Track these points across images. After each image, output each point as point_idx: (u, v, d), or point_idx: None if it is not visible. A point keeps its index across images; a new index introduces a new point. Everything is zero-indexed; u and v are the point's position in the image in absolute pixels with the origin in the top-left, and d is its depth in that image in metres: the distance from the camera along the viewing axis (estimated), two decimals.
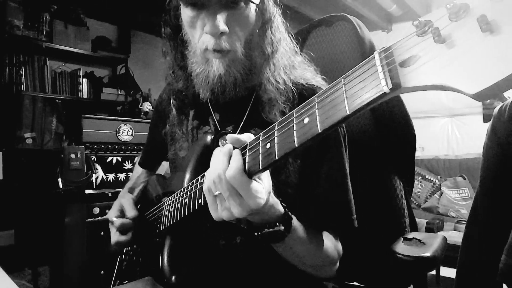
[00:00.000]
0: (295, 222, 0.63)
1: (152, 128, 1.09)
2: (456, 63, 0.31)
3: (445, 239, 1.07)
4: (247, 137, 0.55)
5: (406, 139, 1.04)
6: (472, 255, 1.20)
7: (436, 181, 3.49)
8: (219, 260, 0.79)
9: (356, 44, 1.01)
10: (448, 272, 2.21)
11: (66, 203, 2.21)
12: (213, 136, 0.80)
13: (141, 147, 2.60)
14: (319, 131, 0.42)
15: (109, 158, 2.47)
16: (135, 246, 1.01)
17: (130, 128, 2.58)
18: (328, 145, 0.75)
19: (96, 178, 2.38)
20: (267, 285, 0.79)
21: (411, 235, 1.02)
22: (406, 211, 1.06)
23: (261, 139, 0.51)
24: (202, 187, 0.64)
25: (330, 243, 0.73)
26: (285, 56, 0.79)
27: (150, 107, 3.09)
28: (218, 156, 0.55)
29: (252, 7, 0.73)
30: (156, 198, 0.94)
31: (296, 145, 0.45)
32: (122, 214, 0.95)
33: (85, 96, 3.19)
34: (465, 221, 1.74)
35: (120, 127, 2.53)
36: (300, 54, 0.86)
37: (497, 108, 1.15)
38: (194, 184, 0.68)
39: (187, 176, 0.78)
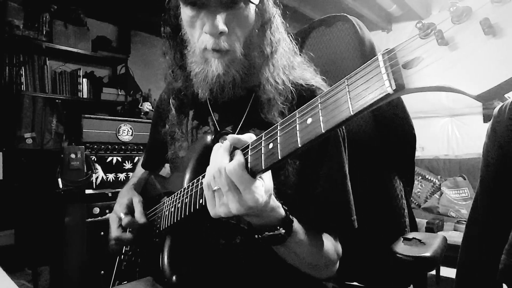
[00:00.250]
0: (295, 224, 0.63)
1: (152, 129, 1.09)
2: (459, 65, 0.32)
3: (445, 239, 1.07)
4: (248, 137, 0.55)
5: (406, 139, 1.04)
6: (472, 255, 1.20)
7: (436, 181, 3.49)
8: (219, 260, 0.79)
9: (356, 44, 1.01)
10: (448, 272, 2.22)
11: (66, 203, 2.21)
12: (213, 136, 0.80)
13: (141, 147, 2.60)
14: (323, 131, 0.42)
15: (109, 158, 2.47)
16: (134, 247, 1.01)
17: (130, 128, 2.58)
18: (328, 146, 0.75)
19: (96, 178, 2.38)
20: (267, 285, 0.79)
21: (411, 235, 1.02)
22: (406, 211, 1.06)
23: (263, 139, 0.51)
24: (202, 186, 0.64)
25: (330, 244, 0.73)
26: (284, 56, 0.79)
27: (150, 107, 3.09)
28: (219, 151, 0.55)
29: (252, 7, 0.73)
30: (155, 198, 0.94)
31: (300, 145, 0.45)
32: (131, 212, 0.93)
33: (85, 96, 3.19)
34: (465, 221, 1.74)
35: (120, 127, 2.53)
36: (300, 55, 0.86)
37: (497, 108, 1.15)
38: (194, 184, 0.68)
39: (187, 176, 0.78)
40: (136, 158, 2.59)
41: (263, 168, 0.50)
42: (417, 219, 1.14)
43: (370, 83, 0.38)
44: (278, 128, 0.49)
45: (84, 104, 3.14)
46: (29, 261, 2.40)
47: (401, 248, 0.95)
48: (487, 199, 1.17)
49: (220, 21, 0.68)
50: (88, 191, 2.30)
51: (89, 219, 2.20)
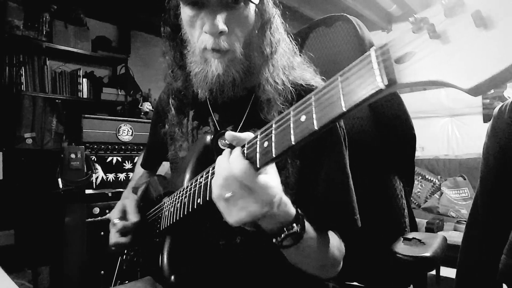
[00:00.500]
0: (306, 220, 0.62)
1: (152, 129, 1.09)
2: (452, 58, 0.31)
3: (445, 239, 1.07)
4: (247, 135, 0.55)
5: (406, 139, 1.04)
6: (472, 255, 1.20)
7: (436, 181, 3.49)
8: (219, 260, 0.79)
9: (356, 44, 1.01)
10: (448, 272, 2.21)
11: (66, 203, 2.21)
12: (212, 136, 0.80)
13: (141, 147, 2.60)
14: (316, 128, 0.42)
15: (109, 158, 2.47)
16: (136, 247, 1.01)
17: (130, 128, 2.58)
18: (328, 146, 0.75)
19: (96, 178, 2.38)
20: (267, 285, 0.79)
21: (411, 235, 1.02)
22: (406, 211, 1.06)
23: (258, 137, 0.51)
24: (201, 186, 0.64)
25: (336, 242, 0.73)
26: (284, 57, 0.79)
27: (150, 107, 3.09)
28: (220, 162, 0.54)
29: (252, 8, 0.73)
30: (156, 198, 0.94)
31: (293, 143, 0.45)
32: (124, 215, 0.95)
33: (85, 96, 3.19)
34: (465, 221, 1.74)
35: (120, 127, 2.53)
36: (300, 55, 0.86)
37: (497, 108, 1.15)
38: (193, 184, 0.68)
39: (187, 176, 0.78)
40: (136, 158, 2.59)
41: (258, 166, 0.50)
42: (417, 219, 1.14)
43: (362, 79, 0.37)
44: (273, 126, 0.49)
45: (84, 104, 3.14)
46: (29, 261, 2.40)
47: (401, 248, 0.95)
48: (487, 199, 1.17)
49: (220, 21, 0.68)
50: (88, 191, 2.30)
51: (89, 219, 2.20)
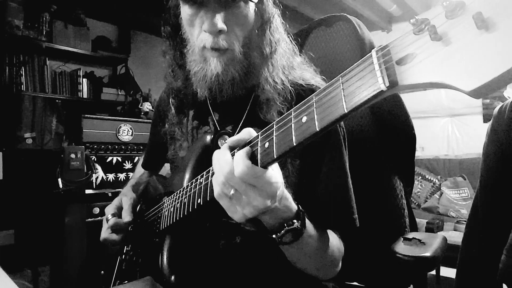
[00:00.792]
0: (306, 217, 0.62)
1: (152, 129, 1.09)
2: (453, 60, 0.31)
3: (445, 239, 1.07)
4: (247, 132, 0.55)
5: (406, 139, 1.04)
6: (472, 254, 1.20)
7: (436, 181, 3.50)
8: (219, 260, 0.79)
9: (356, 44, 1.01)
10: (448, 272, 2.21)
11: (66, 203, 2.21)
12: (212, 136, 0.80)
13: (141, 147, 2.60)
14: (317, 129, 0.42)
15: (109, 158, 2.47)
16: (135, 247, 1.01)
17: (130, 128, 2.58)
18: (328, 145, 0.75)
19: (96, 178, 2.38)
20: (267, 285, 0.79)
21: (411, 235, 1.02)
22: (406, 211, 1.06)
23: (259, 138, 0.51)
24: (201, 186, 0.64)
25: (336, 241, 0.73)
26: (283, 56, 0.79)
27: (150, 107, 3.09)
28: (219, 158, 0.54)
29: (251, 7, 0.73)
30: (156, 198, 0.94)
31: (295, 144, 0.45)
32: (119, 212, 0.95)
33: (85, 96, 3.19)
34: (465, 221, 1.74)
35: (120, 127, 2.53)
36: (300, 55, 0.86)
37: (497, 108, 1.15)
38: (193, 184, 0.68)
39: (187, 176, 0.78)
40: (136, 158, 2.59)
41: (259, 166, 0.50)
42: (417, 219, 1.13)
43: (363, 80, 0.37)
44: (274, 127, 0.49)
45: (84, 104, 3.14)
46: (29, 261, 2.40)
47: (401, 248, 0.95)
48: (487, 199, 1.17)
49: (219, 20, 0.68)
50: (88, 191, 2.30)
51: (89, 219, 2.20)
